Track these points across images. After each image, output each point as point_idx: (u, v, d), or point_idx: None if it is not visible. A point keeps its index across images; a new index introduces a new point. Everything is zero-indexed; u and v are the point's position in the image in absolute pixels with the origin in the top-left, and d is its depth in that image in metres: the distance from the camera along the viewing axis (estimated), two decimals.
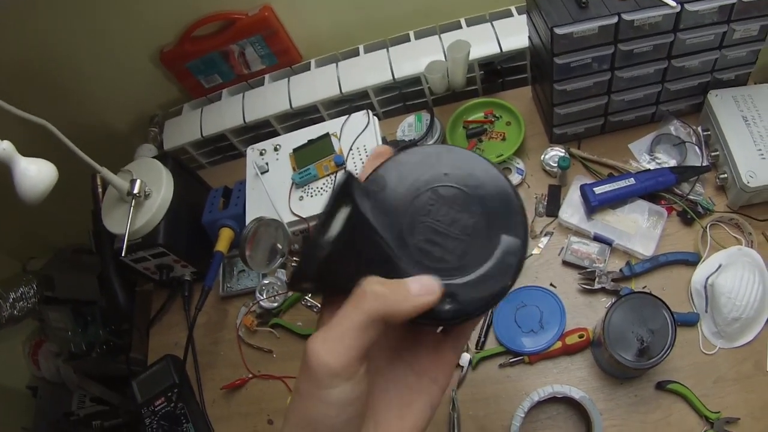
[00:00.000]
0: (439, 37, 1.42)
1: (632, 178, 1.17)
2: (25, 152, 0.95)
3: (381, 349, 0.46)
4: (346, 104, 1.49)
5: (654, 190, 1.18)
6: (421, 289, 0.40)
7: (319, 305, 1.27)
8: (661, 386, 1.03)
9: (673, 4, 1.00)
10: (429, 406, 0.46)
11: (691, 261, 1.12)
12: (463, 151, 0.46)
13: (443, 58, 1.37)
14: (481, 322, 1.17)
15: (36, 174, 0.94)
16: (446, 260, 0.43)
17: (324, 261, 0.41)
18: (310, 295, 1.29)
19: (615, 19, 1.01)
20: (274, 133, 1.51)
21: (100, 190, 1.32)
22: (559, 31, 1.02)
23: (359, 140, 1.26)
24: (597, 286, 1.13)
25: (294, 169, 1.28)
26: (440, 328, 0.48)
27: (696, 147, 1.21)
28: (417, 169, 0.45)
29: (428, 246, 0.44)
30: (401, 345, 0.47)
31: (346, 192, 0.42)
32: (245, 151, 1.38)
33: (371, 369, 0.42)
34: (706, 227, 1.14)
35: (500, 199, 0.44)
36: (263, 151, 1.35)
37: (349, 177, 0.43)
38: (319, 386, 0.38)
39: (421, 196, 0.45)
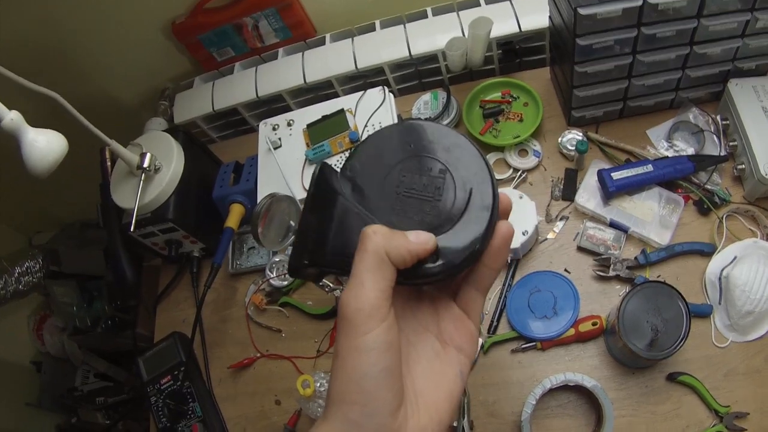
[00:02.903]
0: (457, 14, 1.39)
1: (650, 165, 1.16)
2: (34, 125, 0.93)
3: (408, 322, 0.50)
4: (360, 80, 1.47)
5: (671, 177, 1.16)
6: (416, 237, 0.45)
7: (330, 284, 1.26)
8: (672, 378, 1.02)
9: None
10: (460, 376, 0.49)
11: (707, 251, 1.11)
12: (423, 123, 0.51)
13: (461, 35, 1.35)
14: (494, 305, 1.16)
15: (45, 145, 0.92)
16: (426, 222, 0.47)
17: (315, 247, 0.47)
18: (313, 280, 1.28)
19: (639, 2, 1.00)
20: (287, 108, 1.49)
21: (108, 163, 1.31)
22: (582, 11, 1.01)
23: (374, 117, 1.25)
24: (612, 273, 1.12)
25: (307, 145, 1.27)
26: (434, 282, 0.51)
27: (714, 136, 1.19)
28: (384, 148, 0.50)
29: (408, 213, 0.48)
30: (427, 318, 0.51)
31: (324, 179, 0.49)
32: (257, 125, 1.36)
33: (404, 341, 0.48)
34: (722, 218, 1.13)
35: (463, 155, 0.49)
36: (276, 126, 1.33)
37: (324, 165, 0.49)
38: (357, 334, 0.42)
39: (392, 171, 0.49)
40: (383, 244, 0.43)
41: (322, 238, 0.48)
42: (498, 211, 0.48)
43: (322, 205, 0.48)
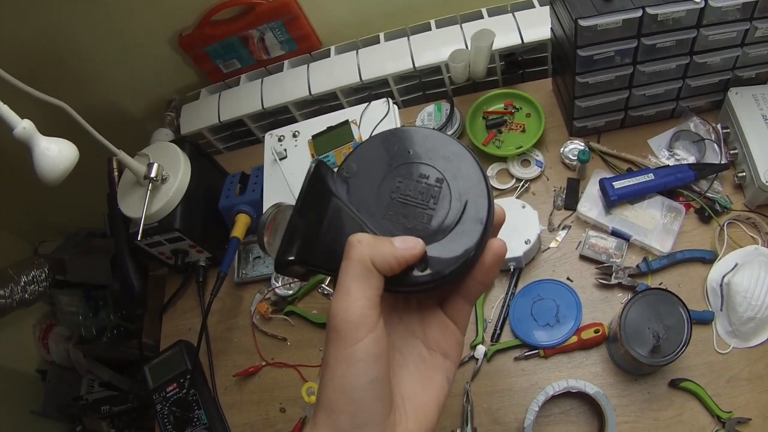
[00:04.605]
0: (460, 27, 1.41)
1: (651, 174, 1.17)
2: (42, 134, 0.93)
3: (395, 327, 0.50)
4: (365, 92, 1.49)
5: (672, 186, 1.17)
6: (403, 243, 0.44)
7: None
8: (674, 384, 1.03)
9: None
10: (446, 380, 0.50)
11: (708, 259, 1.12)
12: (424, 129, 0.50)
13: (464, 47, 1.36)
14: (497, 314, 1.17)
15: (57, 154, 0.92)
16: (418, 230, 0.47)
17: (303, 245, 0.46)
18: (300, 278, 1.28)
19: (639, 13, 1.01)
20: (292, 120, 1.51)
21: (116, 173, 1.32)
22: (583, 23, 1.02)
23: (379, 128, 1.26)
24: (614, 281, 1.13)
25: (313, 156, 1.28)
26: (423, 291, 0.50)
27: (715, 144, 1.20)
28: (383, 152, 0.50)
29: (400, 219, 0.47)
30: (413, 324, 0.51)
31: (319, 177, 0.48)
32: (263, 137, 1.38)
33: (391, 346, 0.47)
34: (723, 225, 1.14)
35: (461, 166, 0.48)
36: (282, 137, 1.34)
37: (320, 163, 0.49)
38: (345, 344, 0.41)
39: (389, 175, 0.49)
40: (368, 253, 0.43)
41: (311, 236, 0.47)
42: (492, 226, 0.48)
43: (314, 203, 0.48)
